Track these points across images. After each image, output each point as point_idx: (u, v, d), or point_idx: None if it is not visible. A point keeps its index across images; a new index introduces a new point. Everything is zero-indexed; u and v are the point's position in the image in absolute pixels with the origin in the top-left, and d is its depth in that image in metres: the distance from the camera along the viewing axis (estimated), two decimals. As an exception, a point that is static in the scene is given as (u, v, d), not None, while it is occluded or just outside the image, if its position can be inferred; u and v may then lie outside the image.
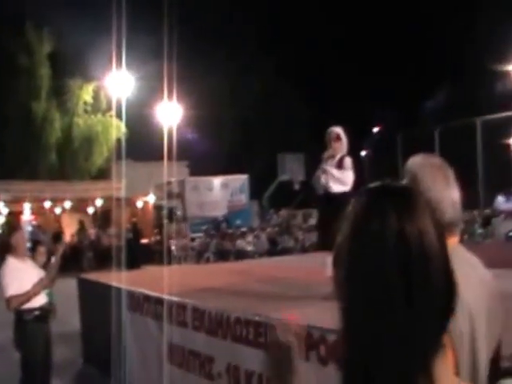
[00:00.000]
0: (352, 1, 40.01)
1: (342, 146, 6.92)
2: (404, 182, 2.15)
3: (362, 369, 1.09)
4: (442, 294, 1.11)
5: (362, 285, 1.10)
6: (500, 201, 24.56)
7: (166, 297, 6.79)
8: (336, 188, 6.56)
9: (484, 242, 17.56)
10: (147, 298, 7.29)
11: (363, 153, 40.11)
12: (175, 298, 6.65)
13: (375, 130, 42.61)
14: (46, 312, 6.49)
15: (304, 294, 6.63)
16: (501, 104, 29.13)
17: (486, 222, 19.85)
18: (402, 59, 38.56)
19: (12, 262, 6.30)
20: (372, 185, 1.22)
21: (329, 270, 6.27)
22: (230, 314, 5.59)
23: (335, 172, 6.60)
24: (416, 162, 2.23)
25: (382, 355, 1.06)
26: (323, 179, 6.63)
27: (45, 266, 6.74)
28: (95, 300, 9.23)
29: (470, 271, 1.96)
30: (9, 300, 6.11)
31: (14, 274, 6.18)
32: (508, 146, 32.31)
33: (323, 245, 6.61)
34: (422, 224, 1.11)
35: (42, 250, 7.08)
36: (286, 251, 20.68)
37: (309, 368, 4.55)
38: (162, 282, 8.21)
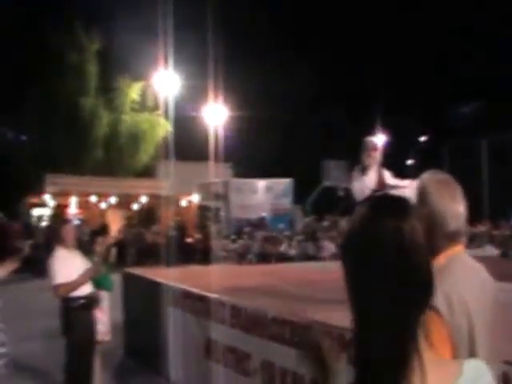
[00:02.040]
0: (397, 10, 39.90)
1: (379, 156, 7.13)
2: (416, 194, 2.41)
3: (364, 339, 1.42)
4: (426, 276, 1.44)
5: (365, 269, 1.42)
6: None
7: (206, 294, 7.02)
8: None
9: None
10: (188, 294, 7.51)
11: (409, 162, 39.96)
12: (214, 296, 6.87)
13: (422, 139, 42.39)
14: (91, 301, 6.75)
15: (339, 298, 6.77)
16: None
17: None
18: (447, 68, 38.39)
19: (61, 251, 6.58)
20: (376, 194, 1.61)
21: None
22: (268, 312, 5.78)
23: (392, 182, 6.84)
24: (425, 177, 2.47)
25: (378, 323, 1.39)
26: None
27: (103, 256, 7.03)
28: (139, 294, 9.49)
29: (472, 275, 2.25)
30: (57, 288, 6.39)
31: (62, 263, 6.45)
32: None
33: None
34: (412, 223, 1.44)
35: (99, 240, 7.42)
36: (328, 257, 20.75)
37: (340, 367, 4.71)
38: (204, 279, 8.46)
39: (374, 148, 7.10)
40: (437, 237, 2.24)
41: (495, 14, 35.65)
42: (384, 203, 1.51)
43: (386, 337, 1.37)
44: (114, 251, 7.67)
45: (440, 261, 2.19)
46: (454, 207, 2.34)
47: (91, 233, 8.10)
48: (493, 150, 33.46)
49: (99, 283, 7.14)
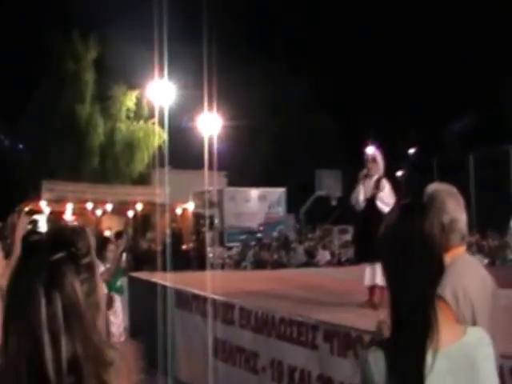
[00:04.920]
0: (389, 24, 40.32)
1: (378, 167, 7.47)
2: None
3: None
4: (440, 259, 2.10)
5: (400, 254, 2.05)
6: None
7: (215, 296, 7.41)
8: (381, 207, 7.12)
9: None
10: (197, 296, 7.90)
11: (399, 173, 40.36)
12: (223, 298, 7.26)
13: (411, 151, 42.80)
14: (104, 304, 7.09)
15: (342, 301, 7.21)
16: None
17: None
18: (438, 81, 38.81)
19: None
20: (403, 201, 2.29)
21: (366, 281, 6.87)
22: (276, 314, 6.19)
23: (381, 194, 7.15)
24: (440, 189, 2.99)
25: (408, 289, 2.02)
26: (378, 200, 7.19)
27: (114, 262, 7.38)
28: (144, 297, 9.85)
29: (474, 272, 2.83)
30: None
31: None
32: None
33: (360, 258, 7.19)
34: (430, 221, 2.09)
35: (111, 247, 7.74)
36: (322, 264, 21.14)
37: (346, 364, 5.16)
38: (208, 283, 8.83)
39: (373, 160, 7.42)
40: (453, 239, 2.73)
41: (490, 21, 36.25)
42: (410, 208, 2.19)
43: (415, 304, 1.99)
44: (124, 257, 8.03)
45: (447, 260, 2.65)
46: (464, 215, 2.88)
47: (102, 239, 8.41)
48: (480, 164, 34.02)
49: (111, 287, 7.49)
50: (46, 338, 1.45)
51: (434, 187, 2.99)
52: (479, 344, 2.00)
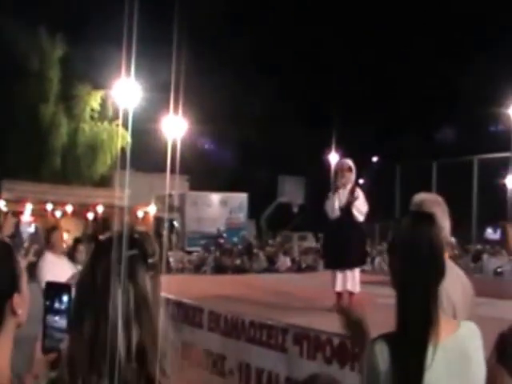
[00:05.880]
0: (356, 25, 40.73)
1: (352, 176, 7.65)
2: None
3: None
4: (442, 262, 2.33)
5: (409, 257, 2.27)
6: (488, 232, 28.12)
7: (184, 300, 7.45)
8: (356, 215, 7.30)
9: (474, 276, 18.39)
10: (166, 300, 7.91)
11: (361, 181, 40.71)
12: (192, 302, 7.31)
13: (374, 159, 43.27)
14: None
15: (310, 306, 7.34)
16: (497, 145, 30.11)
17: (477, 258, 20.70)
18: (403, 92, 39.33)
19: (49, 256, 6.97)
20: (412, 210, 2.66)
21: (337, 287, 7.02)
22: (245, 317, 6.28)
23: (357, 203, 7.32)
24: (421, 197, 3.19)
25: (415, 289, 2.24)
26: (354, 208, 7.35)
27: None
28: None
29: (456, 278, 3.10)
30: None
31: (50, 268, 6.83)
32: (503, 185, 33.17)
33: (331, 265, 7.34)
34: (436, 228, 2.36)
35: (81, 248, 7.75)
36: (282, 271, 21.24)
37: (315, 366, 5.27)
38: (170, 287, 8.85)
39: (348, 169, 7.59)
40: None
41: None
42: (419, 216, 2.49)
43: (420, 302, 2.21)
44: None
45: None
46: (448, 223, 3.04)
47: (74, 240, 8.42)
48: (443, 173, 34.59)
49: None
50: (120, 324, 1.59)
51: (421, 197, 3.19)
52: (472, 337, 2.26)
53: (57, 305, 1.90)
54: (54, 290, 1.94)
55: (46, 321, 1.88)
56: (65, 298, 1.90)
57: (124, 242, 1.65)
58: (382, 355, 2.20)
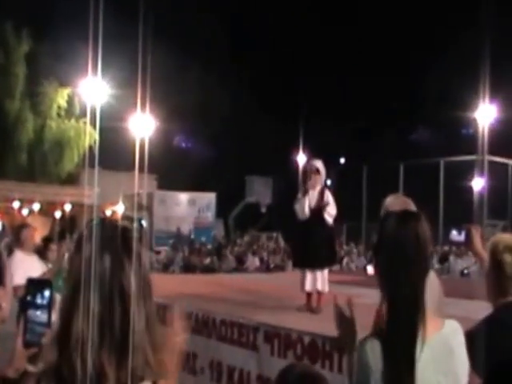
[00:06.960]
0: (324, 23, 40.88)
1: (321, 178, 7.71)
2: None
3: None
4: (428, 258, 2.41)
5: (396, 254, 2.32)
6: (453, 234, 28.90)
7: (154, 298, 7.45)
8: (326, 217, 7.36)
9: (441, 276, 18.68)
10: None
11: (328, 182, 40.91)
12: (162, 300, 7.32)
13: (341, 160, 43.52)
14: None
15: (279, 305, 7.40)
16: (464, 148, 30.51)
17: (444, 259, 21.01)
18: (371, 93, 39.56)
19: (19, 254, 6.92)
20: (399, 210, 2.64)
21: (307, 287, 7.07)
22: (216, 315, 6.32)
23: (328, 208, 7.37)
24: (391, 200, 3.29)
25: (403, 287, 2.30)
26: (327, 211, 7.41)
27: (56, 262, 7.33)
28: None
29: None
30: (15, 289, 6.71)
31: (20, 266, 6.77)
32: (469, 187, 33.58)
33: (301, 265, 7.38)
34: (425, 227, 2.39)
35: (53, 247, 7.70)
36: (251, 270, 21.33)
37: (286, 364, 5.32)
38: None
39: (317, 171, 7.63)
40: None
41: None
42: (406, 214, 2.49)
43: (409, 300, 2.27)
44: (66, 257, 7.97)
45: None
46: None
47: (44, 239, 8.37)
48: (410, 174, 34.94)
49: (53, 287, 7.43)
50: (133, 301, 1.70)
51: (391, 198, 3.27)
52: (456, 333, 2.33)
53: (38, 300, 1.93)
54: (35, 285, 1.97)
55: (27, 315, 1.91)
56: (46, 293, 1.94)
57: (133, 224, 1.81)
58: (373, 354, 2.25)
